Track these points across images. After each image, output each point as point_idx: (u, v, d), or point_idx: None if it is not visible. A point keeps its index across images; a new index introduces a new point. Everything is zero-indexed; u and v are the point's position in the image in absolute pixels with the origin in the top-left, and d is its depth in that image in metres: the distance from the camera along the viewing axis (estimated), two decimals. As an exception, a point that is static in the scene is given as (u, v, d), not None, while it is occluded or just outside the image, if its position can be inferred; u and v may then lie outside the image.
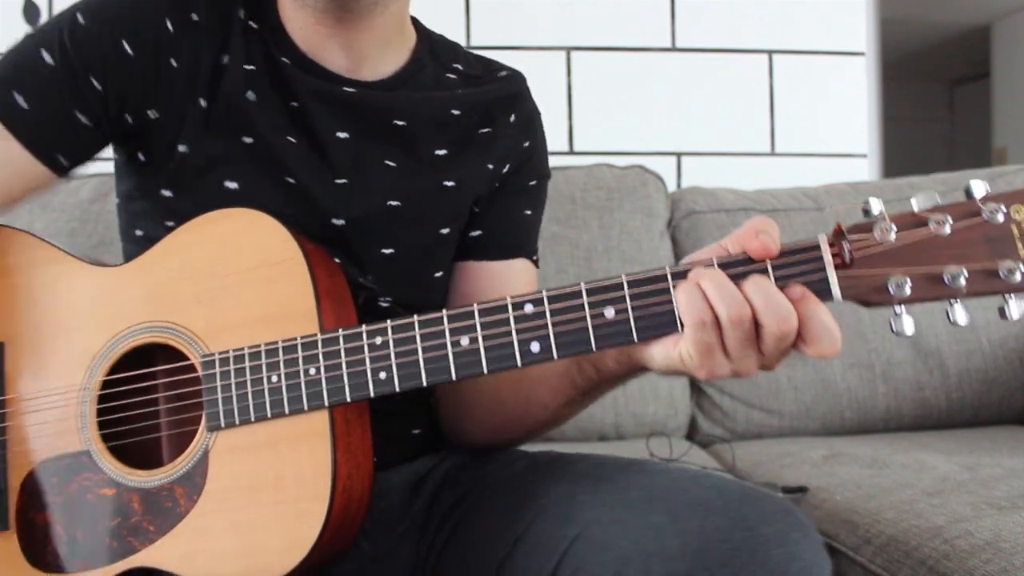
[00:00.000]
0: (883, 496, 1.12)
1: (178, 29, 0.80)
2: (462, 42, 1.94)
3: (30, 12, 1.89)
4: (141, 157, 0.83)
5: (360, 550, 0.81)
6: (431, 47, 0.92)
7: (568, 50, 2.02)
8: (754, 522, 0.62)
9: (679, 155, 2.05)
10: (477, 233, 0.91)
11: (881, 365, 1.60)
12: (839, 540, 1.10)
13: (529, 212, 0.94)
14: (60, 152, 0.80)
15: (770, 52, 2.07)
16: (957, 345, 1.61)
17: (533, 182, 0.94)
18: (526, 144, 0.93)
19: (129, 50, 0.79)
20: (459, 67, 0.92)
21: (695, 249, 1.84)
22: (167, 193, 0.82)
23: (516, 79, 0.94)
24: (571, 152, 2.01)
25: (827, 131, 2.09)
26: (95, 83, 0.78)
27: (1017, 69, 4.35)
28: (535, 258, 0.94)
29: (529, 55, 1.98)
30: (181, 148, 0.81)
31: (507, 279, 0.91)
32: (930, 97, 5.88)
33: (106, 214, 1.58)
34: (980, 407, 1.62)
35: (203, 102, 0.81)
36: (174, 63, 0.80)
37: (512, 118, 0.91)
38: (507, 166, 0.91)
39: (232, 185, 0.81)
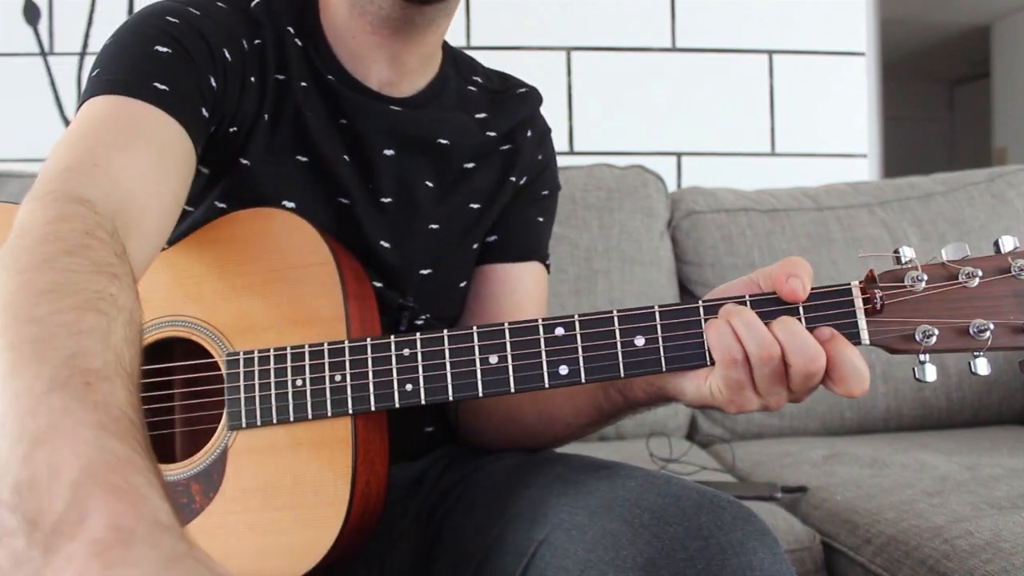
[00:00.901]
0: (883, 496, 1.12)
1: (251, 49, 0.80)
2: (462, 42, 1.95)
3: (30, 12, 1.88)
4: (204, 170, 0.80)
5: (367, 549, 0.81)
6: (454, 60, 0.94)
7: (568, 50, 2.02)
8: (710, 531, 0.61)
9: (679, 155, 2.05)
10: (493, 238, 0.93)
11: (881, 365, 1.60)
12: (839, 540, 1.10)
13: (541, 219, 0.96)
14: (198, 143, 0.74)
15: (770, 52, 2.07)
16: (957, 345, 1.61)
17: (545, 192, 0.97)
18: (540, 157, 0.96)
19: (229, 57, 0.77)
20: (479, 80, 0.94)
21: (695, 249, 1.85)
22: (221, 205, 0.79)
23: (534, 97, 0.97)
24: (571, 152, 2.01)
25: (827, 131, 2.09)
26: (212, 82, 0.75)
27: (1017, 69, 4.35)
28: (547, 263, 0.97)
29: (529, 55, 1.98)
30: (244, 161, 0.79)
31: (521, 280, 0.93)
32: (930, 97, 5.88)
33: (106, 214, 1.57)
34: (980, 407, 1.62)
35: (266, 117, 0.80)
36: (252, 79, 0.79)
37: (529, 133, 0.94)
38: (524, 178, 0.94)
39: (290, 204, 0.80)
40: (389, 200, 0.84)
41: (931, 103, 5.89)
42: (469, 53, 0.98)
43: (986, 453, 1.32)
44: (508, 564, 0.70)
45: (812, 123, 2.09)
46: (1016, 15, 4.37)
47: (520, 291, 0.92)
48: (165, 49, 0.72)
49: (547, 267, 0.97)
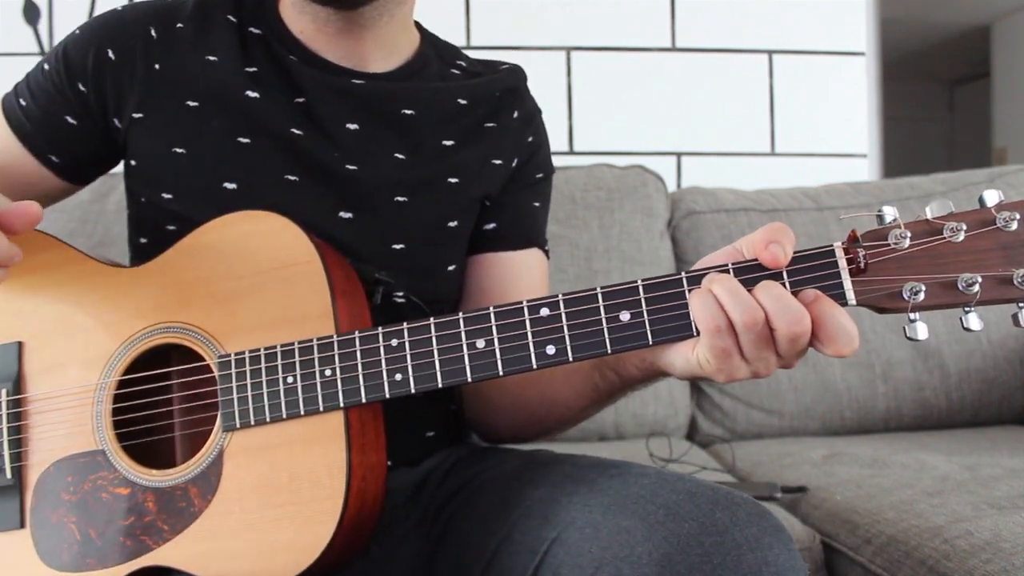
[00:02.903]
0: (883, 496, 1.12)
1: (161, 35, 0.84)
2: (462, 42, 1.95)
3: (30, 12, 1.89)
4: (133, 163, 0.86)
5: (369, 553, 0.81)
6: (435, 47, 0.94)
7: (568, 50, 2.02)
8: (725, 526, 0.61)
9: (679, 155, 2.05)
10: (492, 226, 0.93)
11: (881, 365, 1.60)
12: (839, 540, 1.10)
13: (537, 204, 0.96)
14: (51, 152, 0.86)
15: (770, 52, 2.07)
16: (957, 345, 1.61)
17: (539, 175, 0.96)
18: (530, 139, 0.95)
19: (112, 55, 0.83)
20: (462, 64, 0.94)
21: (695, 249, 1.85)
22: (167, 196, 0.83)
23: (517, 72, 0.96)
24: (571, 152, 2.01)
25: (827, 131, 2.09)
26: (80, 87, 0.84)
27: (1017, 69, 4.35)
28: (546, 249, 0.97)
29: (529, 55, 1.98)
30: (178, 150, 0.82)
31: (523, 268, 0.93)
32: (930, 97, 5.87)
33: (106, 215, 1.58)
34: (980, 407, 1.62)
35: (192, 103, 0.83)
36: (157, 67, 0.83)
37: (515, 114, 0.94)
38: (515, 161, 0.93)
39: (231, 185, 0.82)
40: (355, 167, 0.84)
41: (931, 103, 5.89)
42: (468, 53, 0.98)
43: (986, 453, 1.32)
44: (518, 563, 0.70)
45: (812, 123, 2.08)
46: (1016, 15, 4.37)
47: (525, 278, 0.93)
48: (47, 68, 0.86)
49: (546, 253, 0.97)
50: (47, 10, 1.89)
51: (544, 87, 0.99)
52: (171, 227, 0.82)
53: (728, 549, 0.60)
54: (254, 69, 0.84)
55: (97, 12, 1.86)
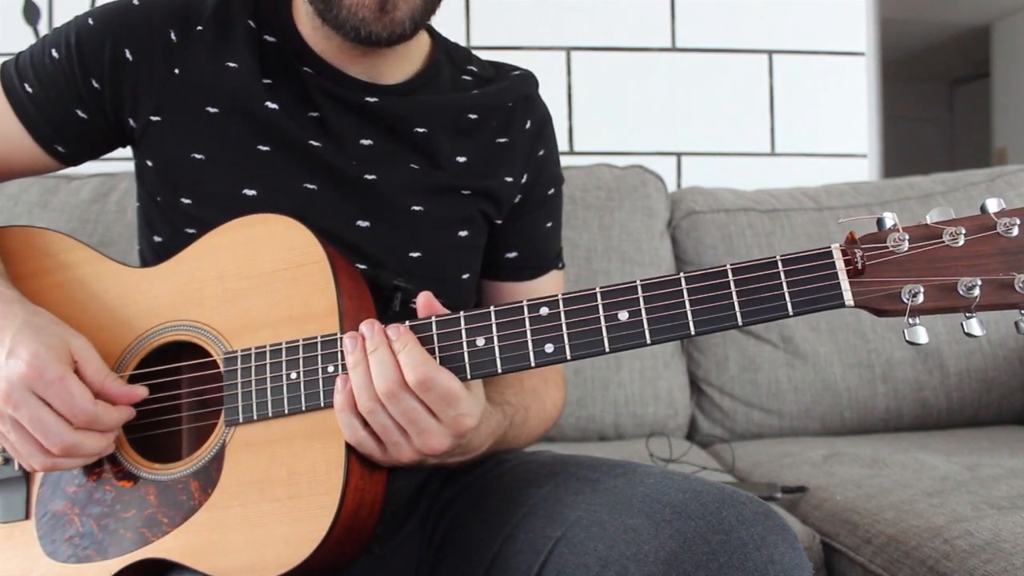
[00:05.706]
0: (883, 496, 1.12)
1: (181, 40, 0.83)
2: (462, 42, 1.94)
3: (30, 12, 1.89)
4: (149, 163, 0.85)
5: (371, 553, 0.82)
6: (447, 51, 0.94)
7: (568, 50, 2.02)
8: (731, 525, 0.62)
9: (679, 155, 2.05)
10: (513, 255, 0.94)
11: (881, 365, 1.60)
12: (839, 540, 1.10)
13: (550, 224, 0.97)
14: (59, 142, 0.85)
15: (770, 52, 2.07)
16: (957, 345, 1.61)
17: (551, 191, 0.97)
18: (540, 153, 0.95)
19: (130, 56, 0.82)
20: (473, 69, 0.94)
21: (695, 249, 1.86)
22: (186, 201, 0.83)
23: (528, 80, 0.96)
24: (571, 152, 2.01)
25: (827, 131, 2.09)
26: (94, 83, 0.82)
27: (1017, 69, 4.35)
28: (561, 264, 0.99)
29: (529, 55, 1.98)
30: (197, 156, 0.82)
31: (538, 293, 0.94)
32: (930, 97, 5.87)
33: (106, 214, 1.58)
34: (980, 407, 1.62)
35: (212, 109, 0.82)
36: (177, 71, 0.83)
37: (528, 124, 0.93)
38: (524, 177, 0.93)
39: (250, 192, 0.82)
40: (371, 179, 0.84)
41: (931, 103, 5.88)
42: (469, 54, 0.98)
43: (986, 453, 1.32)
44: (523, 562, 0.71)
45: (812, 123, 2.08)
46: (1016, 15, 4.37)
47: None
48: (56, 55, 0.83)
49: (562, 266, 0.99)
50: (47, 10, 1.89)
51: (544, 87, 0.98)
52: (190, 230, 0.82)
53: (734, 547, 0.61)
54: (269, 81, 0.84)
55: (97, 12, 1.87)
